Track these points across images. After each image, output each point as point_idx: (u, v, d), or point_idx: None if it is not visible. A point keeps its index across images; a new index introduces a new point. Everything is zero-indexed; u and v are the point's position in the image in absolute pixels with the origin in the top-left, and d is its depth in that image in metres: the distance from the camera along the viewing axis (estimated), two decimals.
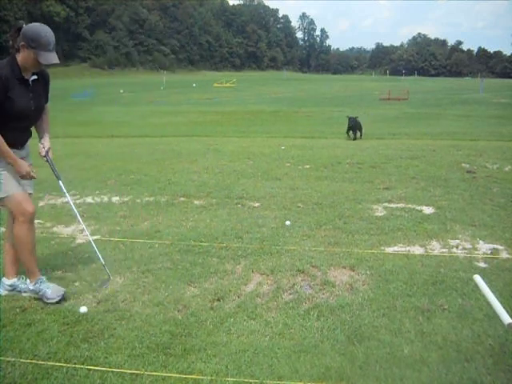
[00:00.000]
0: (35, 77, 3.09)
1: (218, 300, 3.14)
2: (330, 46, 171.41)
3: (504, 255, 3.87)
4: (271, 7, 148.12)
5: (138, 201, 5.64)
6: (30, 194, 3.30)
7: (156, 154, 9.09)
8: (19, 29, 2.96)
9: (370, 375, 2.34)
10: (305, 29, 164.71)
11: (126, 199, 5.72)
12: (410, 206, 5.30)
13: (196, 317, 2.91)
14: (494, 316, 2.84)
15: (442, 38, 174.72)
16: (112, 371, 2.37)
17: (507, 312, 2.82)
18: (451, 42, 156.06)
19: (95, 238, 4.35)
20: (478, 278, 3.29)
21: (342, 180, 6.64)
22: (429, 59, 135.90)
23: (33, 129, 3.30)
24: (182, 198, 5.72)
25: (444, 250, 4.00)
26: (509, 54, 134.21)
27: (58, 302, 3.07)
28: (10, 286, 3.23)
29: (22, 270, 3.43)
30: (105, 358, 2.49)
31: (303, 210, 5.19)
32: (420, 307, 2.99)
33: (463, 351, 2.53)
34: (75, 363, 2.43)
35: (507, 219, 4.77)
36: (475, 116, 19.13)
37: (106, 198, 5.78)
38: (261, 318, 2.90)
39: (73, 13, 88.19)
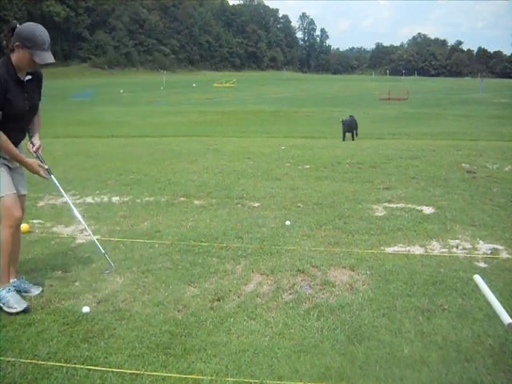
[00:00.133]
0: (30, 77, 3.07)
1: (218, 300, 3.13)
2: (329, 46, 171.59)
3: (504, 255, 3.87)
4: (271, 7, 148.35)
5: (138, 201, 5.64)
6: (24, 194, 3.29)
7: (156, 153, 9.09)
8: (13, 29, 2.92)
9: (369, 375, 2.34)
10: (305, 29, 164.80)
11: (126, 199, 5.72)
12: (410, 205, 5.30)
13: (196, 317, 2.91)
14: (494, 316, 2.84)
15: (442, 37, 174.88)
16: (112, 371, 2.37)
17: (507, 312, 2.82)
18: (451, 42, 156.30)
19: (95, 237, 4.35)
20: (477, 278, 3.29)
21: (341, 180, 6.64)
22: (429, 59, 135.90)
23: None
24: (182, 198, 5.72)
25: (444, 250, 4.00)
26: (509, 54, 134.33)
27: (16, 313, 2.95)
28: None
29: (21, 270, 3.44)
30: (105, 357, 2.49)
31: (303, 210, 5.19)
32: (420, 307, 2.99)
33: (463, 351, 2.53)
34: (75, 363, 2.43)
35: (507, 219, 4.77)
36: (475, 116, 19.14)
37: (105, 198, 5.78)
38: (261, 317, 2.90)
39: (73, 13, 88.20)
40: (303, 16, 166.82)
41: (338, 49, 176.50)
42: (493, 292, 3.06)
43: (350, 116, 11.61)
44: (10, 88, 2.90)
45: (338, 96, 36.23)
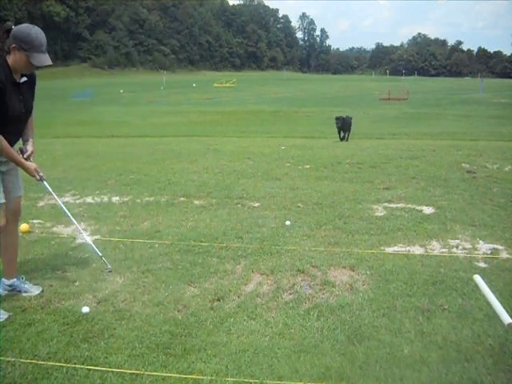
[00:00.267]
0: (25, 78, 3.02)
1: (218, 300, 3.13)
2: (329, 46, 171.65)
3: (504, 255, 3.87)
4: (271, 7, 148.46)
5: (138, 201, 5.64)
6: (20, 196, 3.27)
7: (156, 153, 9.09)
8: (8, 30, 2.87)
9: (369, 375, 2.34)
10: (305, 29, 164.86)
11: (126, 199, 5.72)
12: (410, 205, 5.30)
13: (196, 317, 2.91)
14: (494, 316, 2.84)
15: (442, 37, 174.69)
16: (112, 371, 2.37)
17: (507, 312, 2.82)
18: (451, 42, 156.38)
19: (95, 237, 4.36)
20: (477, 278, 3.29)
21: (341, 180, 6.64)
22: (429, 59, 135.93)
23: None
24: (182, 198, 5.72)
25: (444, 250, 4.00)
26: (509, 54, 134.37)
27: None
28: (10, 285, 3.23)
29: (21, 270, 3.44)
30: (105, 357, 2.49)
31: (303, 210, 5.19)
32: (420, 307, 2.99)
33: (463, 351, 2.52)
34: (75, 363, 2.43)
35: (507, 219, 4.77)
36: (475, 116, 19.15)
37: (106, 198, 5.78)
38: (261, 317, 2.90)
39: (73, 13, 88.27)
40: (303, 16, 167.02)
41: (338, 49, 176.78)
42: (493, 292, 3.07)
43: (346, 116, 11.36)
44: (7, 91, 2.86)
45: (338, 96, 36.24)
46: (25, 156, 3.16)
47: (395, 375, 2.33)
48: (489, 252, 3.94)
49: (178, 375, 2.34)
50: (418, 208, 5.20)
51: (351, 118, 11.24)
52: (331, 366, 2.40)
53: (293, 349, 2.56)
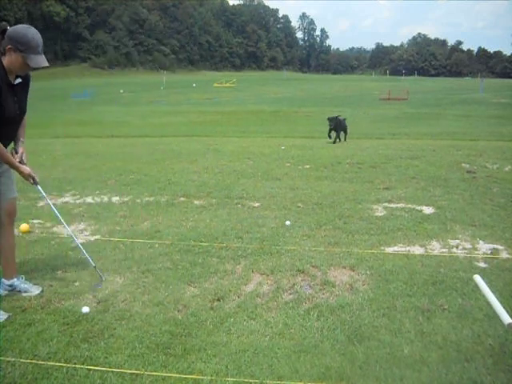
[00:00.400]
0: (20, 80, 2.98)
1: (218, 300, 3.13)
2: (329, 46, 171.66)
3: (504, 255, 3.87)
4: (271, 7, 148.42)
5: (138, 201, 5.64)
6: (14, 197, 3.26)
7: (156, 153, 9.09)
8: (3, 31, 2.83)
9: (369, 375, 2.34)
10: (305, 29, 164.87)
11: (126, 199, 5.72)
12: (410, 205, 5.30)
13: (196, 317, 2.91)
14: (494, 316, 2.84)
15: (442, 37, 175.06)
16: (112, 371, 2.37)
17: (507, 312, 2.82)
18: (451, 42, 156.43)
19: (95, 237, 4.36)
20: (478, 278, 3.29)
21: (341, 180, 6.64)
22: (429, 59, 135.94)
23: None
24: (182, 198, 5.72)
25: (444, 250, 4.00)
26: (509, 54, 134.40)
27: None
28: (10, 286, 3.23)
29: (21, 270, 3.44)
30: (105, 357, 2.49)
31: (303, 209, 5.19)
32: (420, 307, 2.99)
33: (463, 351, 2.53)
34: (75, 363, 2.43)
35: (507, 219, 4.77)
36: (475, 116, 19.14)
37: (106, 198, 5.78)
38: (261, 317, 2.90)
39: (73, 13, 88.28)
40: (303, 16, 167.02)
41: (338, 49, 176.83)
42: (493, 292, 3.07)
43: (338, 116, 10.49)
44: (2, 93, 2.83)
45: (338, 96, 36.24)
46: (18, 159, 3.14)
47: (395, 375, 2.33)
48: (489, 252, 3.94)
49: (178, 375, 2.34)
50: (418, 208, 5.20)
51: (345, 119, 10.69)
52: (331, 366, 2.40)
53: (293, 349, 2.56)
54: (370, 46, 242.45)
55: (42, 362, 2.44)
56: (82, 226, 4.74)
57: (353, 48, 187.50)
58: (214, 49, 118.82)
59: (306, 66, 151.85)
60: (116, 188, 6.27)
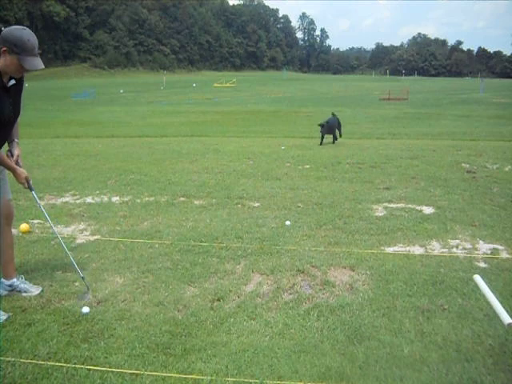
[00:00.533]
0: (13, 81, 2.93)
1: (218, 300, 3.13)
2: (329, 46, 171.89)
3: (504, 255, 3.87)
4: (271, 7, 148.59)
5: (138, 201, 5.64)
6: (10, 199, 3.24)
7: (156, 153, 9.09)
8: None
9: (369, 375, 2.34)
10: (305, 29, 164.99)
11: (125, 199, 5.72)
12: (410, 206, 5.30)
13: (196, 317, 2.91)
14: (494, 316, 2.85)
15: (442, 37, 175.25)
16: (112, 371, 2.37)
17: (507, 312, 2.83)
18: (451, 42, 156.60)
19: (95, 237, 4.36)
20: (477, 278, 3.30)
21: (341, 180, 6.64)
22: (429, 59, 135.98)
23: None
24: (182, 198, 5.72)
25: (444, 250, 4.00)
26: (509, 54, 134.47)
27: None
28: (10, 286, 3.22)
29: (21, 270, 3.44)
30: (105, 358, 2.49)
31: (303, 209, 5.19)
32: (420, 307, 2.99)
33: (463, 351, 2.52)
34: (75, 363, 2.43)
35: (507, 219, 4.77)
36: (475, 116, 19.14)
37: (106, 198, 5.78)
38: (261, 317, 2.90)
39: (73, 13, 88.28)
40: (303, 16, 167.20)
41: (338, 49, 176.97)
42: (493, 292, 3.07)
43: (333, 115, 10.24)
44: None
45: (338, 96, 36.25)
46: (13, 160, 3.10)
47: (395, 375, 2.33)
48: (489, 252, 3.94)
49: (177, 375, 2.34)
50: (418, 208, 5.20)
51: (336, 117, 10.18)
52: (331, 366, 2.40)
53: (293, 349, 2.56)
54: (369, 45, 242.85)
55: (42, 362, 2.44)
56: (82, 226, 4.74)
57: (353, 48, 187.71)
58: (214, 49, 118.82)
59: (306, 65, 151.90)
60: (116, 188, 6.27)
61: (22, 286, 3.23)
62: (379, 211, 5.11)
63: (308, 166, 7.63)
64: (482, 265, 3.69)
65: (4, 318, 2.89)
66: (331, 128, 9.95)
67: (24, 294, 3.19)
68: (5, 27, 2.82)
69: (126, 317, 2.91)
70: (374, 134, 12.86)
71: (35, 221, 4.85)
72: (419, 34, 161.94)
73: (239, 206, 5.38)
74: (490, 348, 2.55)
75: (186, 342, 2.63)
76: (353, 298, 3.14)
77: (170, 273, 3.56)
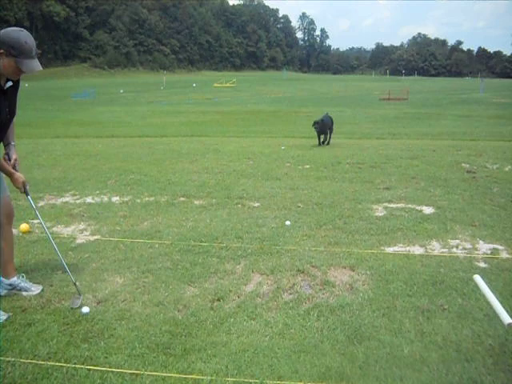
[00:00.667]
0: (10, 83, 2.91)
1: (218, 300, 3.13)
2: (329, 46, 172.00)
3: (504, 255, 3.87)
4: (271, 7, 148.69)
5: (138, 201, 5.64)
6: (8, 195, 3.21)
7: (156, 153, 9.09)
8: None
9: (369, 375, 2.34)
10: (305, 29, 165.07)
11: (125, 199, 5.72)
12: (410, 206, 5.30)
13: (196, 317, 2.91)
14: (494, 316, 2.85)
15: (442, 37, 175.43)
16: (112, 371, 2.37)
17: (507, 312, 2.83)
18: (451, 42, 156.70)
19: (95, 237, 4.36)
20: (477, 278, 3.30)
21: (341, 180, 6.64)
22: (429, 59, 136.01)
23: None
24: (182, 198, 5.72)
25: (444, 250, 4.00)
26: (509, 54, 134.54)
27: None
28: (10, 285, 3.22)
29: (21, 270, 3.44)
30: (105, 357, 2.49)
31: (303, 209, 5.19)
32: (420, 307, 2.99)
33: (463, 351, 2.53)
34: (75, 363, 2.43)
35: (507, 219, 4.77)
36: (475, 116, 19.15)
37: (106, 198, 5.78)
38: (261, 317, 2.90)
39: (73, 13, 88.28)
40: (303, 16, 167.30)
41: (337, 49, 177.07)
42: (493, 292, 3.07)
43: (326, 114, 10.08)
44: None
45: (338, 96, 36.25)
46: (11, 164, 3.08)
47: (395, 375, 2.33)
48: (489, 252, 3.94)
49: (177, 375, 2.34)
50: (418, 208, 5.20)
51: (330, 117, 10.00)
52: (331, 366, 2.40)
53: (293, 349, 2.56)
54: (369, 45, 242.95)
55: (42, 362, 2.44)
56: (82, 226, 4.74)
57: (353, 48, 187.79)
58: (214, 49, 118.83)
59: (306, 65, 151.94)
60: (116, 188, 6.27)
61: (23, 284, 3.22)
62: (379, 211, 5.11)
63: (308, 166, 7.63)
64: (482, 265, 3.69)
65: (4, 318, 2.89)
66: (325, 126, 9.83)
67: (24, 293, 3.19)
68: (10, 26, 2.81)
69: (126, 317, 2.91)
70: (373, 134, 12.86)
71: (35, 221, 4.85)
72: (419, 34, 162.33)
73: (239, 205, 5.38)
74: (490, 348, 2.55)
75: (186, 342, 2.63)
76: (353, 298, 3.14)
77: (169, 273, 3.56)
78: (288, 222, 4.67)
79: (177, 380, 2.31)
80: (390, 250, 4.00)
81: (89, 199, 5.75)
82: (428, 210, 5.11)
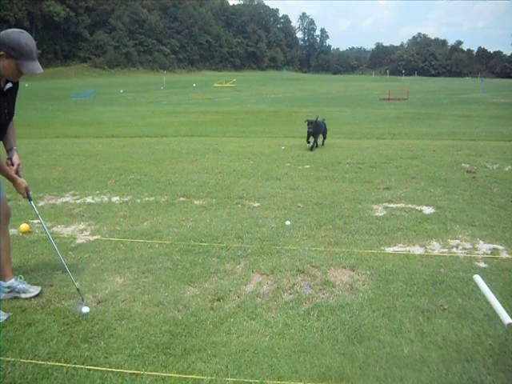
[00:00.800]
0: (10, 84, 2.90)
1: (218, 300, 3.14)
2: (329, 46, 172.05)
3: (504, 255, 3.87)
4: (271, 7, 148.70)
5: (138, 201, 5.64)
6: (4, 196, 3.20)
7: (156, 153, 9.09)
8: None
9: (369, 375, 2.34)
10: (305, 29, 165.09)
11: (125, 199, 5.72)
12: (410, 206, 5.30)
13: (196, 317, 2.91)
14: (494, 316, 2.85)
15: (442, 37, 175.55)
16: (112, 371, 2.37)
17: (507, 312, 2.83)
18: (451, 42, 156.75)
19: (95, 237, 4.36)
20: (477, 278, 3.30)
21: (341, 180, 6.64)
22: (429, 59, 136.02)
23: None
24: (182, 198, 5.72)
25: (444, 250, 4.00)
26: (509, 54, 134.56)
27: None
28: (8, 287, 3.19)
29: (21, 270, 3.44)
30: (105, 357, 2.49)
31: (303, 209, 5.19)
32: (420, 307, 2.99)
33: (463, 351, 2.53)
34: (75, 363, 2.43)
35: (507, 219, 4.77)
36: (475, 116, 19.14)
37: (105, 198, 5.78)
38: (261, 317, 2.90)
39: (73, 13, 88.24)
40: (303, 16, 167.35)
41: (338, 49, 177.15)
42: (493, 292, 3.07)
43: (315, 120, 9.40)
44: None
45: (338, 96, 36.25)
46: (14, 169, 3.07)
47: (395, 375, 2.33)
48: (489, 252, 3.94)
49: (177, 375, 2.34)
50: (418, 208, 5.20)
51: (324, 121, 9.83)
52: (331, 366, 2.40)
53: (293, 349, 2.56)
54: (370, 45, 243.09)
55: (42, 362, 2.44)
56: (82, 226, 4.74)
57: (353, 48, 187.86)
58: (214, 49, 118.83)
59: (306, 65, 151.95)
60: (116, 188, 6.27)
61: (21, 286, 3.19)
62: (379, 211, 5.11)
63: (308, 166, 7.63)
64: (482, 265, 3.69)
65: (4, 318, 2.88)
66: (319, 128, 9.54)
67: (23, 295, 3.16)
68: (10, 27, 2.81)
69: (126, 317, 2.91)
70: (373, 134, 12.85)
71: (35, 221, 4.85)
72: (419, 34, 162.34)
73: (239, 205, 5.38)
74: (490, 348, 2.55)
75: (186, 342, 2.63)
76: (353, 297, 3.14)
77: (170, 273, 3.56)
78: (288, 222, 4.67)
79: (177, 380, 2.31)
80: (390, 250, 4.00)
81: (89, 199, 5.75)
82: (428, 210, 5.11)
